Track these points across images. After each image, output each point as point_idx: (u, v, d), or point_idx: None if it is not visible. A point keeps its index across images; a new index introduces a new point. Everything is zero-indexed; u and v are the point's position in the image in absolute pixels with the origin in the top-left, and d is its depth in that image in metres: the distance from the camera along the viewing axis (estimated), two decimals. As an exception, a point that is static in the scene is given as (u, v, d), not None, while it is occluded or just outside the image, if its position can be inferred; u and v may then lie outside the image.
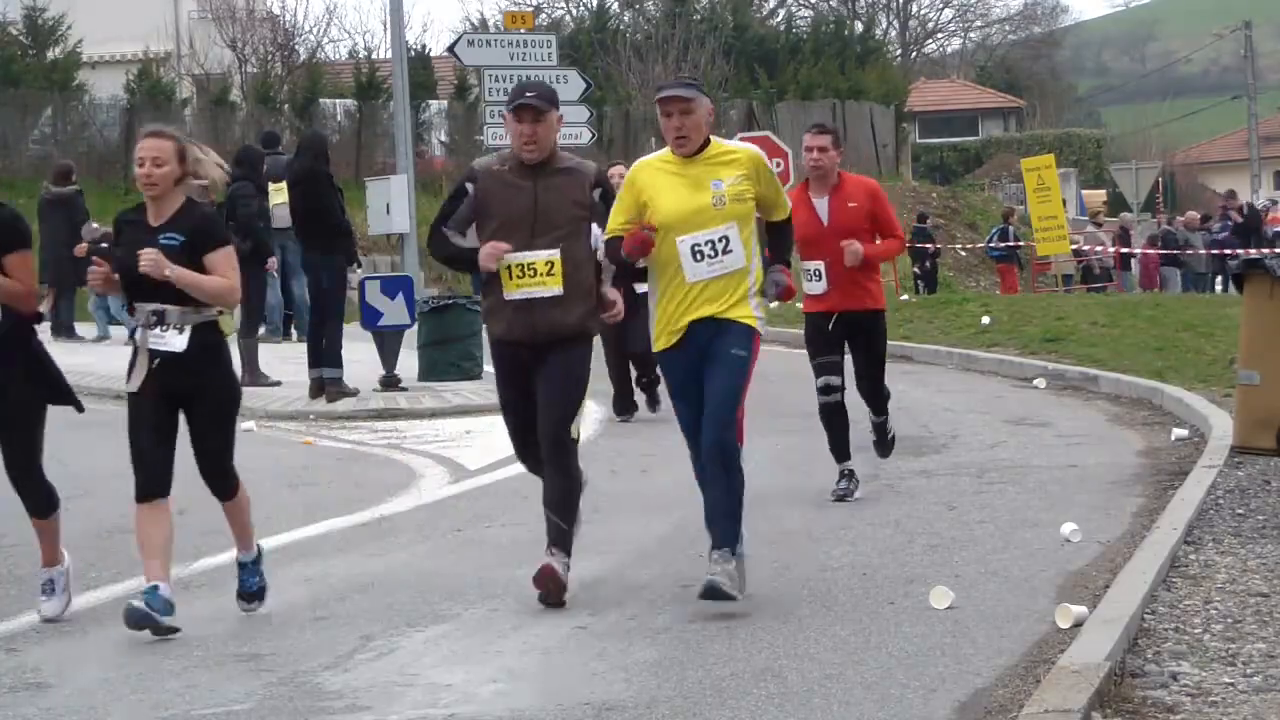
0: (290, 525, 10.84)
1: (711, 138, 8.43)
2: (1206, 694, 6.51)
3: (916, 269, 35.49)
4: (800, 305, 11.59)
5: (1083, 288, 33.12)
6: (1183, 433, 14.00)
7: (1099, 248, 35.23)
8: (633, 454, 13.56)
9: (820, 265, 11.16)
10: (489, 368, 20.66)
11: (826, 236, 11.08)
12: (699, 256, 8.24)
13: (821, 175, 11.16)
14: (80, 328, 25.04)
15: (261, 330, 19.10)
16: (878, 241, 11.32)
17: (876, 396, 11.63)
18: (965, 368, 20.08)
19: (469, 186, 8.63)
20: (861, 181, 11.48)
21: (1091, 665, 6.56)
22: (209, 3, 46.65)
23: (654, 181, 8.37)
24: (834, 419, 11.40)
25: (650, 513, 11.11)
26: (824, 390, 11.36)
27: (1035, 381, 18.29)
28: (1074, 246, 34.34)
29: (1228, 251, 33.43)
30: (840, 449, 11.47)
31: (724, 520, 8.20)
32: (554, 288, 8.43)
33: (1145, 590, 8.01)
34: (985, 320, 22.22)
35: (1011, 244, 35.04)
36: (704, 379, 8.25)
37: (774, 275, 8.56)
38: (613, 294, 8.59)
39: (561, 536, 8.44)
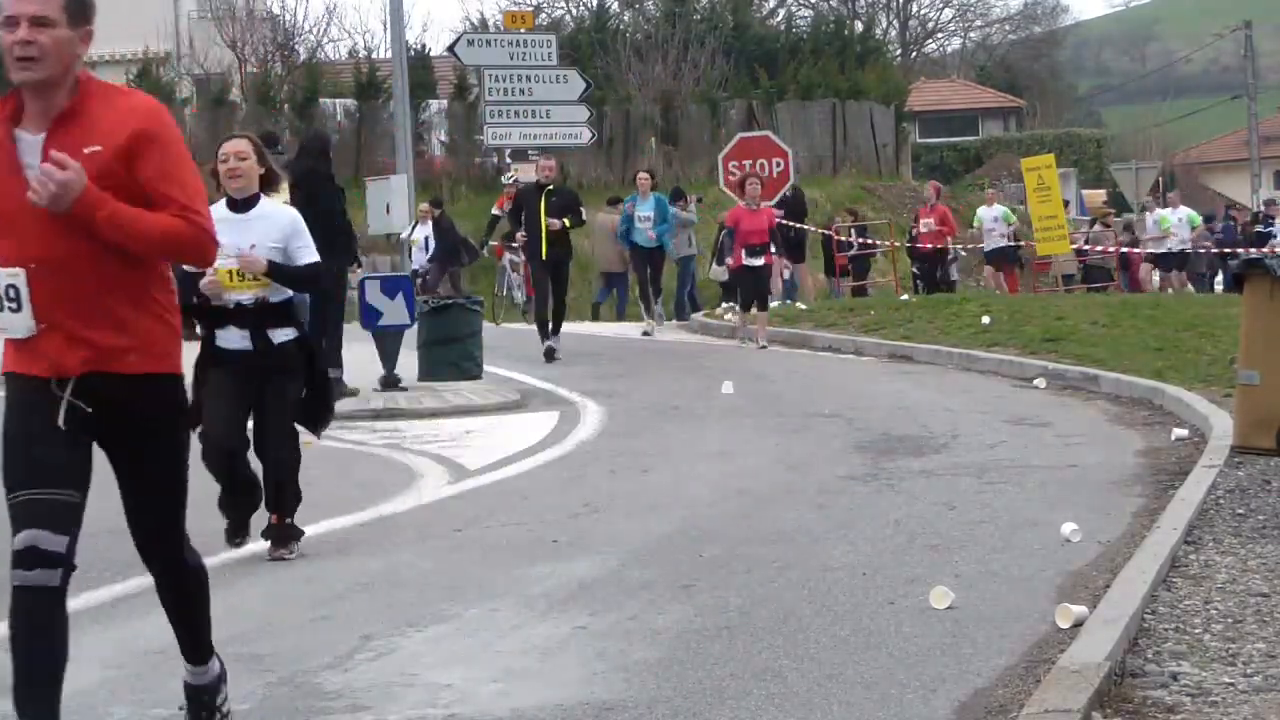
0: (290, 525, 10.82)
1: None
2: (1206, 694, 6.50)
3: (915, 269, 35.43)
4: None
5: (1083, 288, 33.09)
6: (1183, 433, 13.99)
7: (1099, 248, 35.17)
8: (633, 454, 13.55)
9: (19, 277, 5.35)
10: (490, 368, 20.68)
11: (31, 209, 5.30)
12: None
13: (38, 81, 5.54)
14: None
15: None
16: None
17: (179, 589, 5.91)
18: (965, 368, 20.06)
19: None
20: (126, 98, 5.64)
21: (1091, 665, 6.56)
22: (209, 3, 46.66)
23: None
24: (35, 631, 5.39)
25: (650, 513, 11.10)
26: (23, 559, 5.39)
27: (1035, 381, 18.28)
28: (1075, 246, 34.32)
29: (1228, 251, 33.42)
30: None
31: None
32: None
33: (1145, 590, 8.00)
34: (985, 320, 22.20)
35: (1011, 244, 34.97)
36: None
37: None
38: None
39: None
